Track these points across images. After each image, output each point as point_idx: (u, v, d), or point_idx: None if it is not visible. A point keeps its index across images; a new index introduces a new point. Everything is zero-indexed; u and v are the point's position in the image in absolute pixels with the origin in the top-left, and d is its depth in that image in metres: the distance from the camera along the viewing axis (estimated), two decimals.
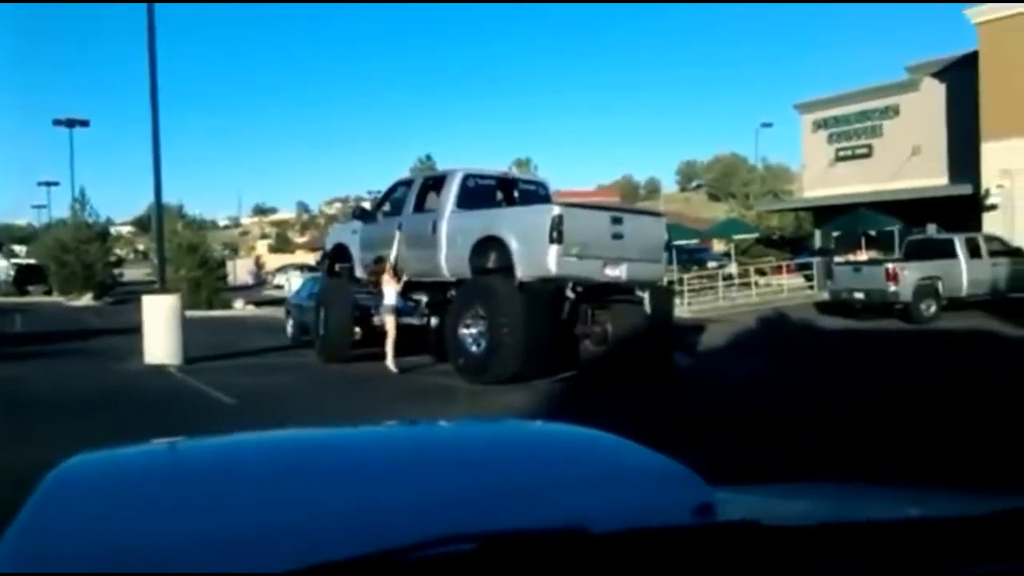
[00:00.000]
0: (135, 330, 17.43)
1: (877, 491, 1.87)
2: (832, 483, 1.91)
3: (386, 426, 2.32)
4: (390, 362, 14.88)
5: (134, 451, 1.81)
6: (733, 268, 33.28)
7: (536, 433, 1.94)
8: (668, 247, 17.41)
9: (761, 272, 32.38)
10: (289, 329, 22.29)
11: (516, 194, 16.01)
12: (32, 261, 57.36)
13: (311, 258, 57.92)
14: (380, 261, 15.79)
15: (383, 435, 2.05)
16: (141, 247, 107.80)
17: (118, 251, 65.94)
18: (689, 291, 28.37)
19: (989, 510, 1.36)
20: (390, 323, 15.11)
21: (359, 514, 1.39)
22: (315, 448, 1.83)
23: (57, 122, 51.49)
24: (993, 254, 22.91)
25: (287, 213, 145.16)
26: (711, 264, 36.72)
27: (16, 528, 1.35)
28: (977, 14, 27.87)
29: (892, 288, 21.78)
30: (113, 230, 79.56)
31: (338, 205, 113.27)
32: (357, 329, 16.48)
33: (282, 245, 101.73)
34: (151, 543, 1.31)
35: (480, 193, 15.35)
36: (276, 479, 1.56)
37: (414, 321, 15.82)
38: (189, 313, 18.52)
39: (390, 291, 15.13)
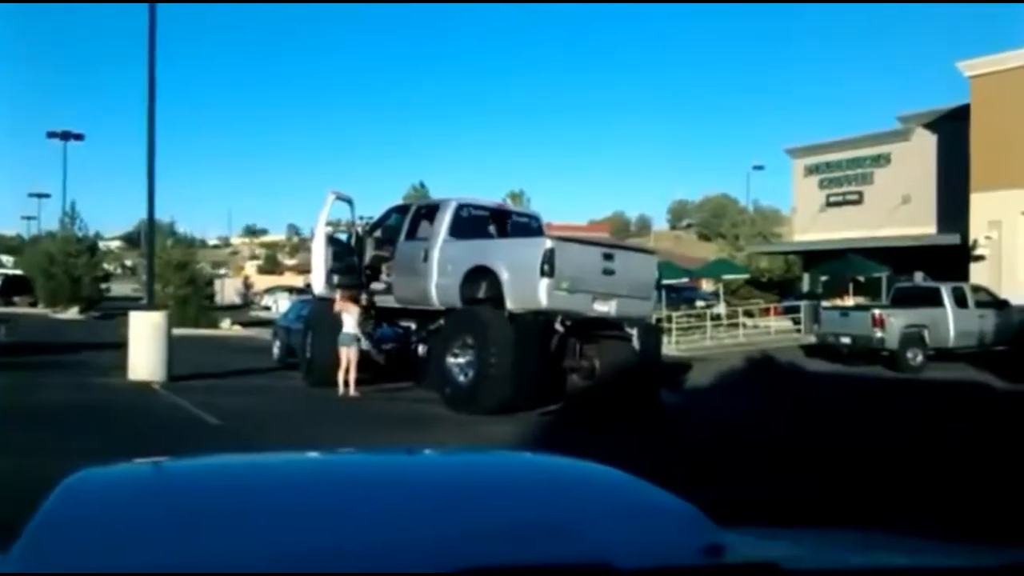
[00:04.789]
0: (120, 345, 17.31)
1: (882, 539, 1.86)
2: (838, 529, 1.91)
3: (388, 453, 2.30)
4: (341, 389, 15.11)
5: (140, 467, 1.79)
6: (721, 308, 33.35)
7: (542, 465, 1.93)
8: (658, 285, 17.47)
9: (749, 313, 32.46)
10: (275, 351, 22.18)
11: (509, 226, 16.04)
12: (19, 272, 56.99)
13: (300, 280, 57.68)
14: (342, 288, 16.03)
15: (386, 463, 2.03)
16: (129, 262, 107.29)
17: (106, 266, 65.51)
18: (677, 329, 28.40)
19: (996, 563, 1.35)
20: (343, 353, 15.25)
21: (368, 543, 1.37)
22: (323, 471, 1.81)
23: (52, 134, 51.68)
24: (980, 304, 22.91)
25: (278, 235, 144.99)
26: (700, 303, 36.79)
27: (23, 541, 1.33)
28: (970, 67, 28.25)
29: (878, 334, 21.87)
30: (102, 244, 79.16)
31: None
32: None
33: (271, 267, 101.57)
34: (156, 561, 1.30)
35: (473, 223, 15.39)
36: (285, 503, 1.54)
37: (393, 348, 16.19)
38: (175, 331, 18.42)
39: (348, 320, 15.24)
